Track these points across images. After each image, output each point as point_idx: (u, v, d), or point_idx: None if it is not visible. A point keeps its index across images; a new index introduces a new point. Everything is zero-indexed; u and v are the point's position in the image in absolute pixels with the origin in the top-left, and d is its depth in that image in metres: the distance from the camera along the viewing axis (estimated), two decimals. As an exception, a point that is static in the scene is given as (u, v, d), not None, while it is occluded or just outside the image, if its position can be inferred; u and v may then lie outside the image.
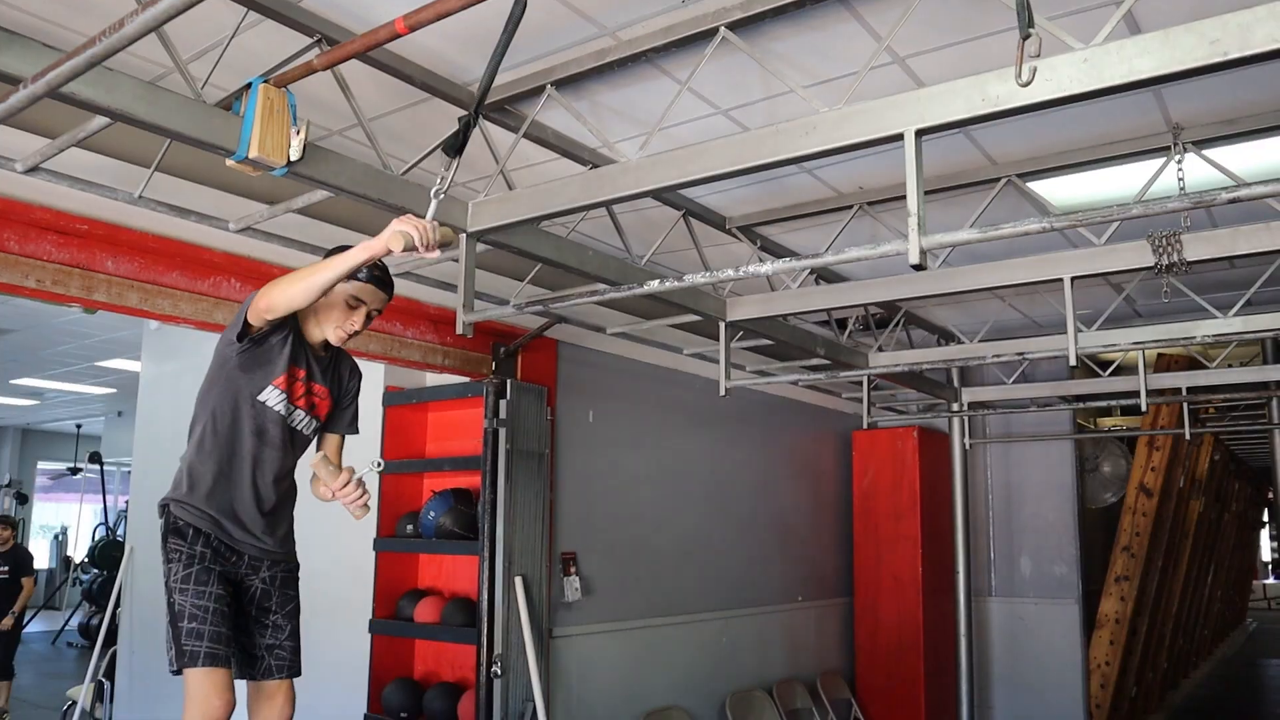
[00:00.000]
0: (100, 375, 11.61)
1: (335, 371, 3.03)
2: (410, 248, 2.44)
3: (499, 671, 4.85)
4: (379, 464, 3.00)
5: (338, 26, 2.99)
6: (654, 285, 3.54)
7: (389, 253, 2.48)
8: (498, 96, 3.42)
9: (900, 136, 2.54)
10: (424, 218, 2.50)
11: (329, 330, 2.91)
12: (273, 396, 2.86)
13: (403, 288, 4.58)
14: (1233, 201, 2.44)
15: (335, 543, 6.13)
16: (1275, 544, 22.95)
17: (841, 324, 6.15)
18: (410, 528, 5.77)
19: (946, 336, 6.89)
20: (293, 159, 2.78)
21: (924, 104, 2.52)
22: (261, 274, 3.83)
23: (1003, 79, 2.44)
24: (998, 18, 2.97)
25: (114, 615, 8.16)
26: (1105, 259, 3.95)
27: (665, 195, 4.19)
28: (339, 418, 3.10)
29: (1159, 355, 8.11)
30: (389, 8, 2.90)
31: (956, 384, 7.56)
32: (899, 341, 6.54)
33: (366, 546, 5.87)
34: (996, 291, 5.04)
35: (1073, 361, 4.03)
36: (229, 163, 2.77)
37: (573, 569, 5.46)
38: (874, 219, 4.60)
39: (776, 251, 4.99)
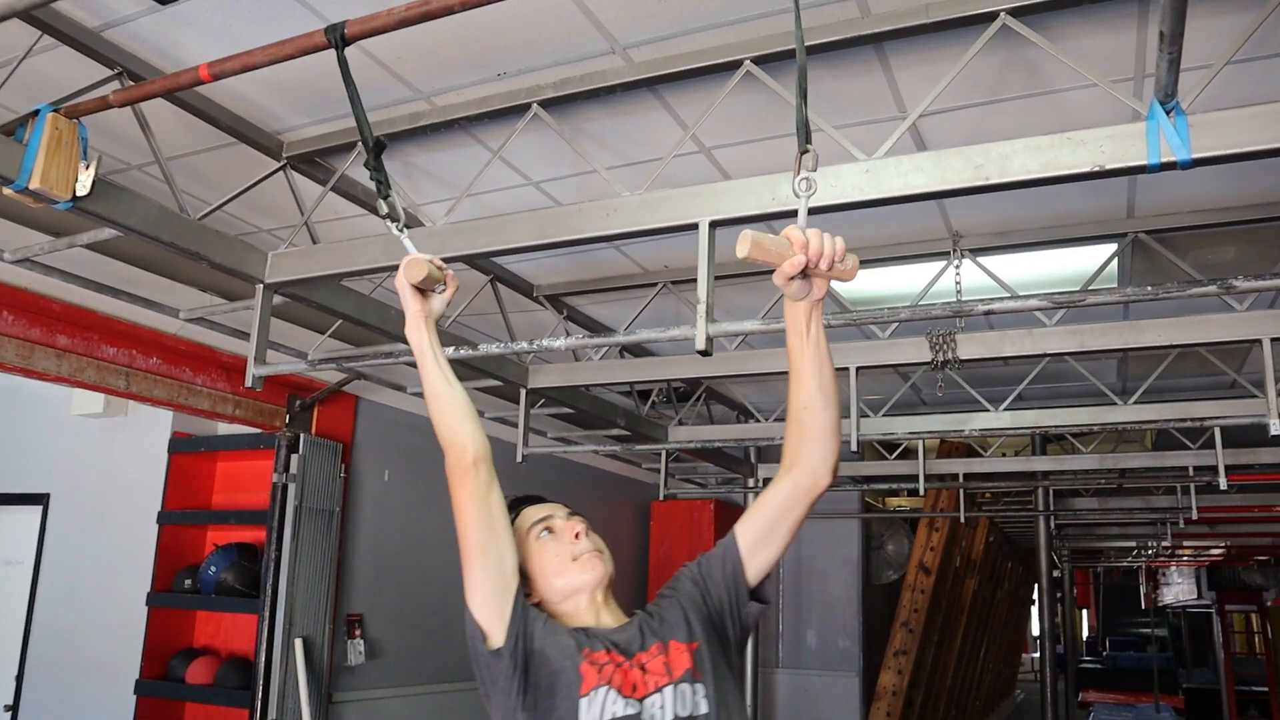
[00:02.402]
0: None
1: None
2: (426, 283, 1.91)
3: (270, 740, 4.63)
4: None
5: (141, 61, 2.90)
6: (451, 351, 3.53)
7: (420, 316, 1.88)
8: (309, 149, 3.38)
9: (695, 226, 2.65)
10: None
11: (570, 578, 1.94)
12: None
13: (194, 333, 4.42)
14: (988, 314, 2.65)
15: (105, 597, 5.76)
16: (1049, 620, 24.51)
17: (644, 395, 6.27)
18: (189, 582, 5.47)
19: (745, 413, 7.13)
20: (79, 194, 2.65)
21: (719, 197, 2.66)
22: (38, 308, 3.61)
23: (790, 180, 2.60)
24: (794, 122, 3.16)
25: None
26: (888, 352, 4.21)
27: (473, 260, 4.22)
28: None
29: (941, 442, 8.63)
30: (197, 48, 2.84)
31: (754, 460, 7.81)
32: (700, 415, 6.72)
33: (138, 600, 5.53)
34: (791, 374, 5.25)
35: (854, 447, 4.25)
36: (6, 191, 2.61)
37: (358, 631, 5.29)
38: (677, 297, 4.75)
39: (583, 321, 5.07)
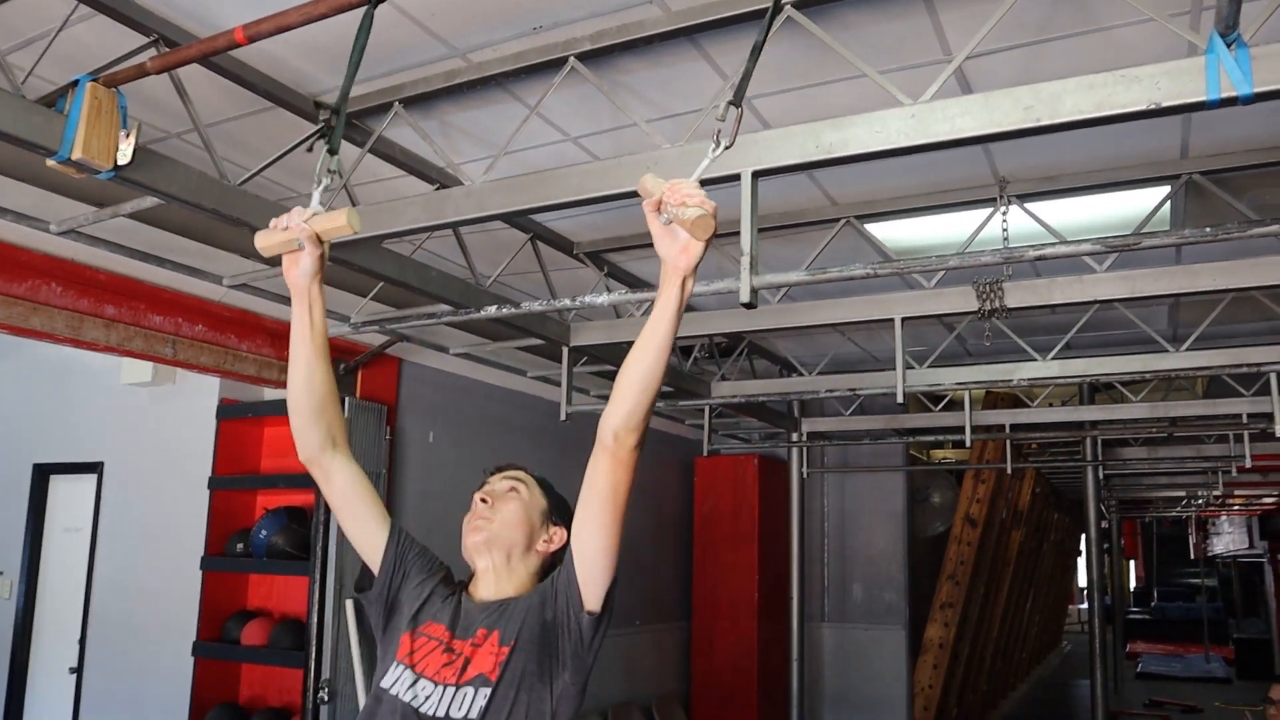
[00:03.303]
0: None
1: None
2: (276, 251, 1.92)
3: (325, 697, 4.72)
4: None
5: (177, 27, 2.88)
6: (493, 310, 3.54)
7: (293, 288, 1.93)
8: (348, 109, 3.36)
9: (738, 177, 2.61)
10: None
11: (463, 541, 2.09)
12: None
13: (238, 299, 4.45)
14: (1037, 260, 2.59)
15: (160, 561, 5.87)
16: (1098, 571, 24.39)
17: (686, 351, 6.24)
18: (241, 546, 5.57)
19: (788, 367, 7.08)
20: (120, 163, 2.65)
21: (761, 147, 2.60)
22: (85, 279, 3.64)
23: (837, 128, 2.55)
24: (837, 68, 3.09)
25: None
26: (933, 302, 4.15)
27: (512, 219, 4.19)
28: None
29: (987, 393, 8.53)
30: (232, 12, 2.82)
31: (797, 414, 7.77)
32: (742, 370, 6.69)
33: (192, 565, 5.63)
34: (837, 326, 5.19)
35: (900, 399, 4.21)
36: (50, 163, 2.63)
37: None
38: (719, 251, 4.70)
39: (623, 278, 5.05)
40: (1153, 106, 2.29)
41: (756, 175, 2.61)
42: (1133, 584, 29.47)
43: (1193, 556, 22.41)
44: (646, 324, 1.67)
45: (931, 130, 2.44)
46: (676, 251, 1.59)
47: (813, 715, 8.46)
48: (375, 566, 2.04)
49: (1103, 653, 15.67)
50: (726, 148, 1.79)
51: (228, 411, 5.74)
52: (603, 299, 3.15)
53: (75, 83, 2.61)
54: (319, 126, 3.30)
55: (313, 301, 1.93)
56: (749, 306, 2.54)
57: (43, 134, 2.54)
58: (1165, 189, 3.94)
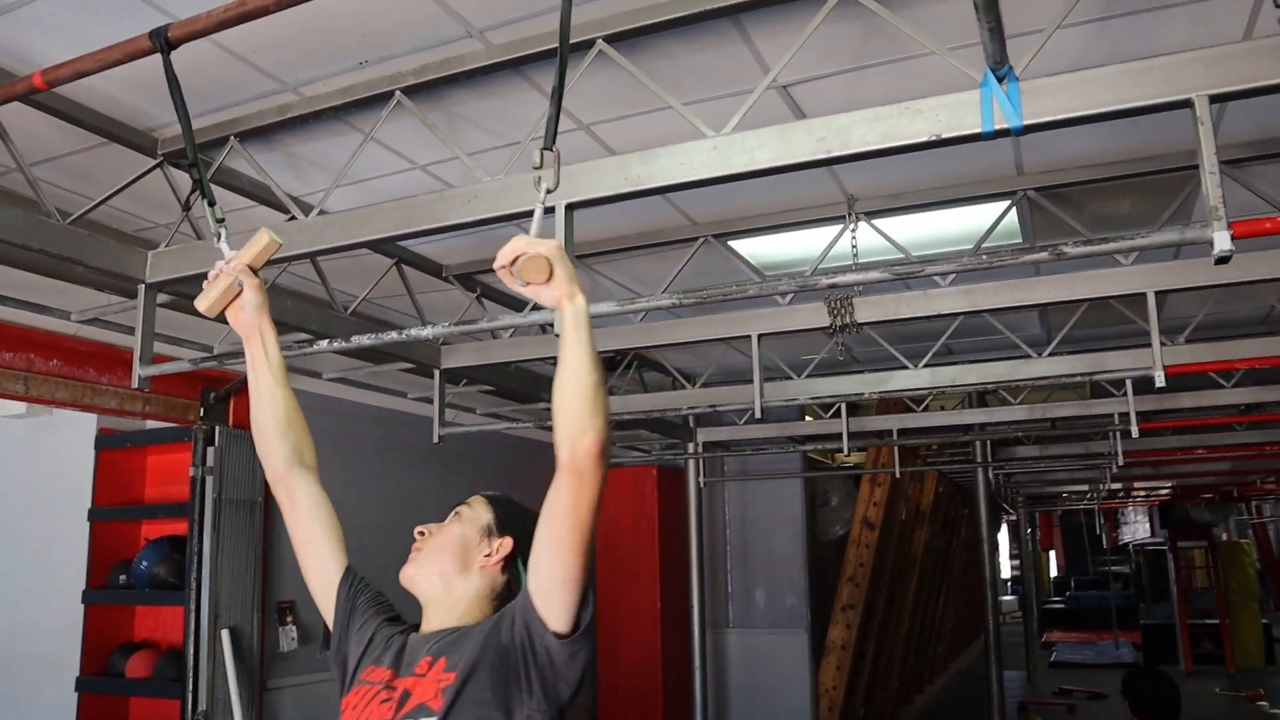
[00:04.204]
0: None
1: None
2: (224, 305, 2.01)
3: (200, 729, 4.69)
4: None
5: (-4, 68, 2.87)
6: (359, 339, 3.56)
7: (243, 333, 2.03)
8: (181, 144, 3.36)
9: (553, 210, 2.68)
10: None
11: None
12: None
13: (96, 334, 4.40)
14: (878, 282, 2.69)
15: (41, 595, 5.76)
16: (1015, 562, 24.93)
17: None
18: (123, 578, 5.50)
19: (688, 377, 7.17)
20: (-69, 207, 2.64)
21: (575, 180, 2.68)
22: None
23: (644, 160, 2.64)
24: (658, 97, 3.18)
25: None
26: (788, 318, 4.27)
27: (374, 246, 4.22)
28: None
29: (880, 399, 8.73)
30: (49, 52, 2.81)
31: (692, 425, 7.88)
32: (632, 383, 6.77)
33: (75, 598, 5.54)
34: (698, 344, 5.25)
35: (758, 414, 4.32)
36: None
37: (289, 618, 5.32)
38: (588, 270, 4.79)
39: (497, 298, 5.09)
40: (934, 138, 2.41)
41: (570, 207, 2.68)
42: (1055, 573, 30.27)
43: (1105, 546, 23.07)
44: (560, 346, 1.64)
45: (732, 162, 2.53)
46: (546, 295, 1.63)
47: (719, 718, 8.57)
48: (329, 613, 1.98)
49: (1026, 642, 16.17)
50: (550, 191, 1.85)
51: (107, 441, 5.66)
52: (424, 332, 3.19)
53: (-119, 127, 2.59)
54: (155, 163, 3.30)
55: (264, 335, 2.00)
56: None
57: None
58: (1004, 204, 4.10)
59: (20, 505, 6.01)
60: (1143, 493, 16.28)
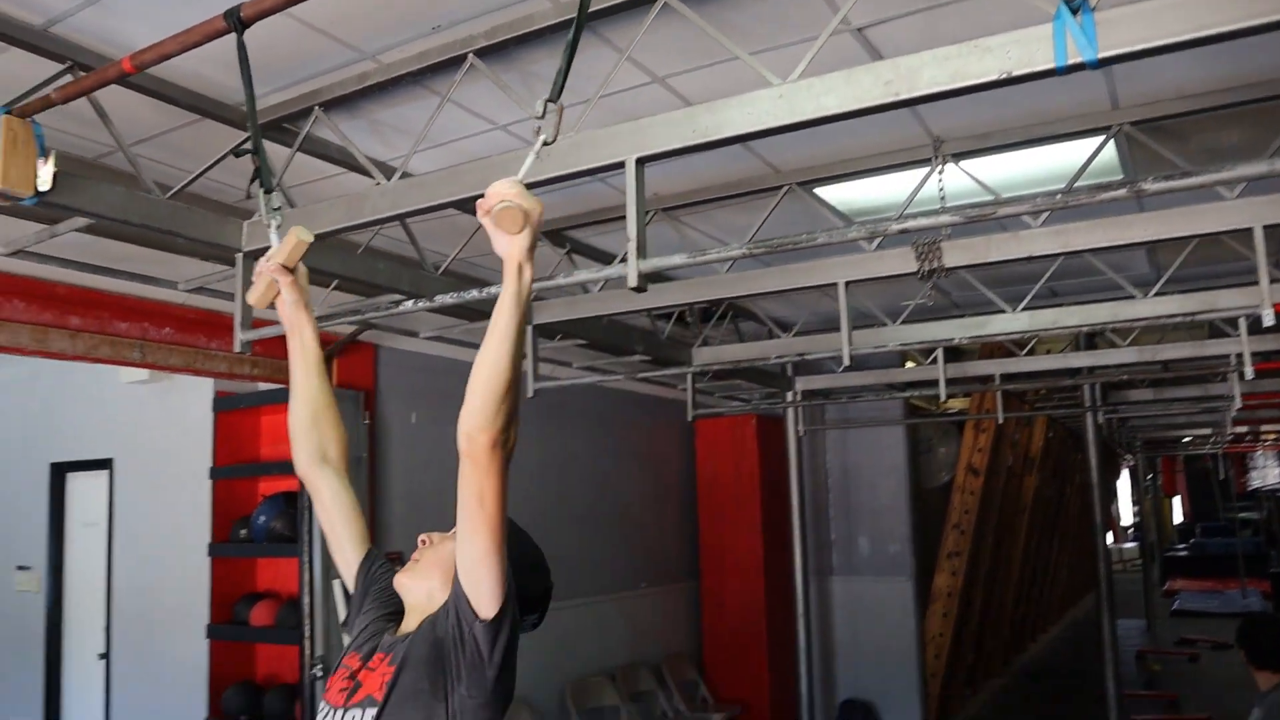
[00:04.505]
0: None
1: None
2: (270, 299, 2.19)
3: (319, 673, 4.94)
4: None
5: (90, 51, 3.01)
6: (445, 299, 3.67)
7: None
8: (273, 116, 3.48)
9: (623, 164, 2.70)
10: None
11: None
12: None
13: (205, 301, 4.61)
14: (975, 220, 2.65)
15: (172, 550, 6.13)
16: (1136, 509, 24.23)
17: (669, 316, 6.32)
18: (244, 532, 5.80)
19: (784, 325, 7.13)
20: (41, 189, 2.80)
21: (644, 134, 2.69)
22: (46, 293, 3.82)
23: (711, 111, 2.63)
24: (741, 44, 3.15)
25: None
26: (874, 264, 4.21)
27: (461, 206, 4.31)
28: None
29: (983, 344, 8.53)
30: (137, 35, 2.93)
31: (790, 374, 7.84)
32: (729, 331, 6.77)
33: (202, 552, 5.88)
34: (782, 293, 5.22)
35: (845, 362, 4.29)
36: (-27, 194, 2.78)
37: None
38: (673, 224, 4.80)
39: (586, 253, 5.15)
40: (1004, 75, 2.33)
41: (641, 161, 2.69)
42: (1178, 520, 29.28)
43: (1233, 491, 22.20)
44: (491, 320, 1.69)
45: (799, 109, 2.50)
46: (505, 244, 1.68)
47: (824, 666, 8.62)
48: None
49: (1145, 590, 15.73)
50: (547, 144, 1.91)
51: (223, 404, 5.95)
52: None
53: (-10, 116, 2.75)
54: (246, 136, 3.42)
55: (302, 327, 2.17)
56: (639, 290, 2.64)
57: (-37, 167, 2.69)
58: (1098, 140, 3.95)
59: (149, 467, 6.38)
60: (1272, 436, 15.55)
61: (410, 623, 2.01)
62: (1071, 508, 14.81)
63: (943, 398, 6.19)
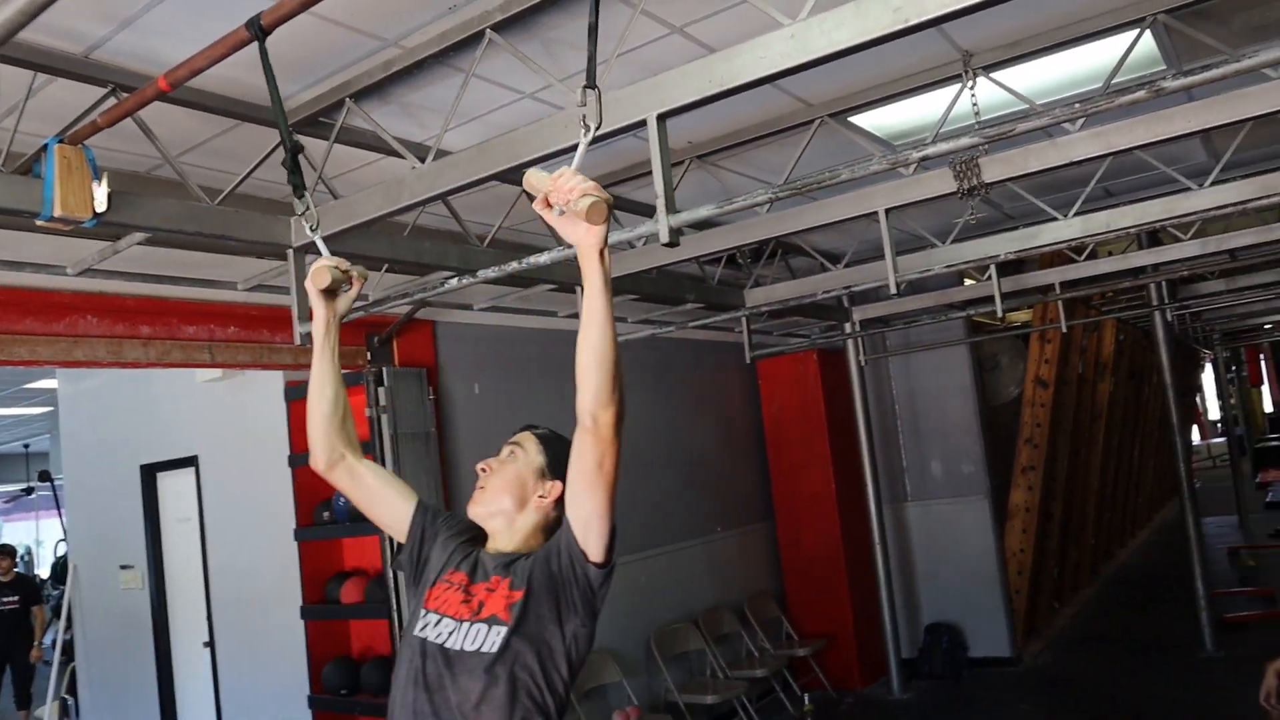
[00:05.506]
0: (32, 396, 11.69)
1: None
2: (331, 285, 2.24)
3: (412, 643, 5.12)
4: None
5: (131, 73, 3.12)
6: (488, 273, 3.76)
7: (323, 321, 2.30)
8: (308, 112, 3.57)
9: (644, 123, 2.74)
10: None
11: None
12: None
13: (263, 298, 4.76)
14: (1002, 138, 2.65)
15: (261, 537, 6.37)
16: (1221, 403, 23.72)
17: (720, 260, 6.35)
18: (326, 514, 6.00)
19: (834, 257, 7.11)
20: (98, 211, 2.93)
21: (662, 90, 2.72)
22: (117, 306, 3.99)
23: (726, 59, 2.65)
24: None
25: (68, 631, 8.41)
26: (913, 189, 4.20)
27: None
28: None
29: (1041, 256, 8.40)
30: (173, 54, 3.04)
31: (847, 305, 7.82)
32: (781, 268, 6.77)
33: (289, 537, 6.10)
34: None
35: (892, 289, 4.29)
36: (38, 222, 2.92)
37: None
38: (710, 170, 4.82)
39: (628, 207, 5.19)
40: (1016, -12, 2.33)
41: (661, 118, 2.73)
42: (1270, 409, 28.56)
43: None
44: (583, 304, 1.84)
45: (811, 46, 2.51)
46: (583, 234, 1.78)
47: (906, 592, 8.67)
48: (402, 536, 2.31)
49: (1235, 485, 15.44)
50: (596, 129, 1.99)
51: (294, 393, 6.12)
52: (544, 258, 3.33)
53: (45, 147, 2.88)
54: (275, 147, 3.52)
55: (334, 331, 2.30)
56: (671, 245, 2.69)
57: (25, 199, 2.83)
58: (1133, 34, 3.86)
59: (232, 460, 6.62)
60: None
61: (499, 542, 2.22)
62: (1151, 410, 14.56)
63: (999, 313, 6.14)
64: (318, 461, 2.30)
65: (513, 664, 2.00)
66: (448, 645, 2.05)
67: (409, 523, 2.30)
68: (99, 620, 7.77)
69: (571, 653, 2.06)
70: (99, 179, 2.93)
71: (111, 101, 3.03)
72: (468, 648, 2.03)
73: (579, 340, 1.82)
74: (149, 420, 7.24)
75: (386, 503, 2.32)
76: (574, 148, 2.94)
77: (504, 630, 2.02)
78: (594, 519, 1.98)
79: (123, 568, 7.49)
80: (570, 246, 3.27)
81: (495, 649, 2.01)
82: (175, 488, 7.08)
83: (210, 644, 6.70)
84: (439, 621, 2.10)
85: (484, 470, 2.29)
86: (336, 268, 2.18)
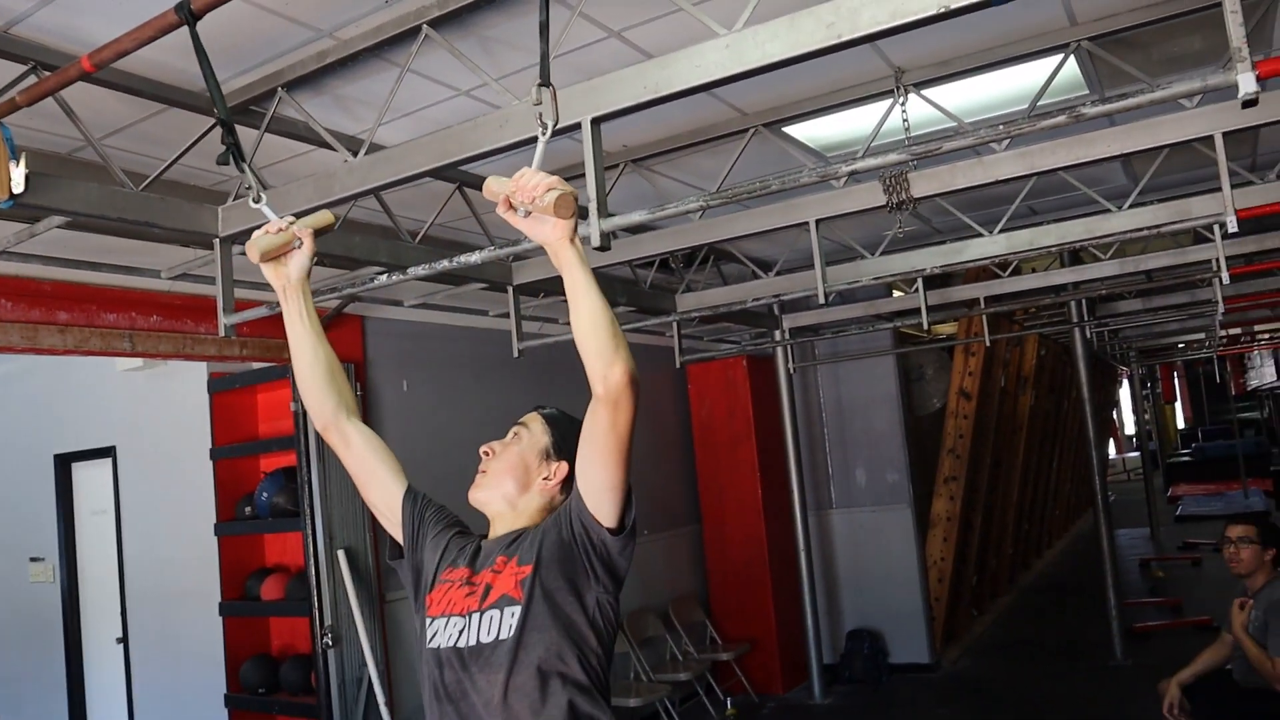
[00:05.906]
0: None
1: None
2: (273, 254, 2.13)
3: (330, 642, 5.07)
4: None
5: (53, 50, 3.04)
6: (418, 270, 3.73)
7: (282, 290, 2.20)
8: (237, 100, 3.52)
9: (579, 126, 2.75)
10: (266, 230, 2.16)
11: None
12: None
13: (187, 287, 4.67)
14: (927, 156, 2.70)
15: (180, 532, 6.25)
16: (1136, 418, 24.43)
17: (652, 264, 6.36)
18: (249, 509, 5.91)
19: (765, 265, 7.18)
20: (15, 193, 2.85)
21: (598, 94, 2.74)
22: (33, 291, 3.88)
23: (661, 66, 2.67)
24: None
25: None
26: (843, 201, 4.27)
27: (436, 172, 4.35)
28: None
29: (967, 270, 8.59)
30: (98, 32, 2.97)
31: (778, 312, 7.91)
32: (713, 274, 6.82)
33: (209, 532, 5.99)
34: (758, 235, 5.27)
35: (821, 300, 4.35)
36: (-50, 201, 2.83)
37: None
38: (644, 175, 4.84)
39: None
40: (942, 10, 2.37)
41: (596, 122, 2.74)
42: (1181, 426, 29.51)
43: (1233, 393, 22.35)
44: (567, 286, 1.85)
45: (746, 58, 2.54)
46: (551, 230, 1.80)
47: (829, 598, 8.79)
48: (397, 532, 2.21)
49: (1147, 498, 15.91)
50: (554, 126, 2.01)
51: (218, 385, 6.02)
52: (475, 257, 3.32)
53: (-42, 123, 2.79)
54: (214, 123, 3.46)
55: (304, 294, 2.19)
56: (602, 249, 2.70)
57: (-65, 176, 2.74)
58: (1058, 59, 3.98)
59: (151, 452, 6.48)
60: (1267, 335, 15.65)
61: (500, 528, 2.15)
62: (1070, 424, 14.96)
63: (925, 325, 6.27)
64: (314, 423, 2.24)
65: (535, 645, 1.91)
66: (460, 645, 1.96)
67: (399, 517, 2.19)
68: (4, 614, 7.54)
69: (599, 623, 1.98)
70: (16, 159, 2.84)
71: (32, 80, 2.95)
72: (484, 639, 1.94)
73: (572, 319, 1.84)
74: (64, 409, 7.05)
75: (378, 482, 2.20)
76: (510, 147, 2.97)
77: (519, 609, 1.94)
78: (606, 484, 1.93)
79: (32, 560, 7.29)
80: (511, 243, 3.30)
81: (513, 631, 1.92)
82: (91, 478, 6.91)
83: (124, 640, 6.55)
84: (446, 624, 2.01)
85: (487, 454, 2.21)
86: (271, 231, 2.10)
